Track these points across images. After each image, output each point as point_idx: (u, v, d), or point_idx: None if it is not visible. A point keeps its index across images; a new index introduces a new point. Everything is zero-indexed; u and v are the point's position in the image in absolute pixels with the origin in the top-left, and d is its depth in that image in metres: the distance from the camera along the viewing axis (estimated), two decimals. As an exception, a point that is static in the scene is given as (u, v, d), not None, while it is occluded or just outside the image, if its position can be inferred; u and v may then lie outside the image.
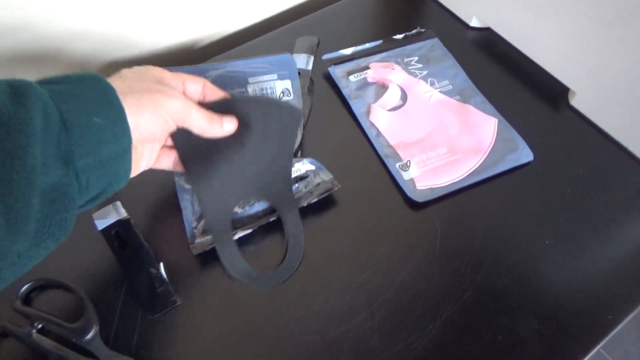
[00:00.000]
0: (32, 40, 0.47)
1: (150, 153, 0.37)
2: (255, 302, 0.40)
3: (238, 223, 0.43)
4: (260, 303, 0.40)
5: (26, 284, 0.39)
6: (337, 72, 0.53)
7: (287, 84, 0.48)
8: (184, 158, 0.39)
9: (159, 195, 0.45)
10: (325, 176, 0.45)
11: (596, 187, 0.46)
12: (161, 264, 0.40)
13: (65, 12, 0.47)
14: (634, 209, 0.45)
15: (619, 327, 0.39)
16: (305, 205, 0.43)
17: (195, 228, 0.42)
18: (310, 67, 0.54)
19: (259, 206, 0.44)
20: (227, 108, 0.38)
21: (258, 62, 0.49)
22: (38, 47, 0.48)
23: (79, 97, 0.29)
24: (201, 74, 0.46)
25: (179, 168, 0.39)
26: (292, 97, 0.49)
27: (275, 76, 0.50)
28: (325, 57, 0.54)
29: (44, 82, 0.29)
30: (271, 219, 0.43)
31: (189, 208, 0.43)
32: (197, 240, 0.41)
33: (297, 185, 0.44)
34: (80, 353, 0.36)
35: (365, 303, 0.40)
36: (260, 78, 0.49)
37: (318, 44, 0.57)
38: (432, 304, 0.40)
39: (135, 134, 0.31)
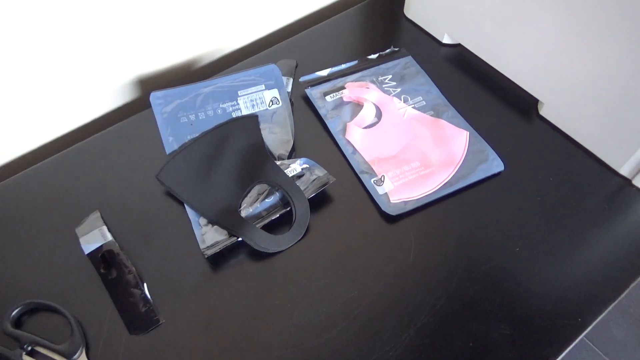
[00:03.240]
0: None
1: None
2: (235, 316, 0.41)
3: (255, 218, 0.45)
4: (240, 316, 0.41)
5: (16, 307, 0.41)
6: (314, 93, 0.55)
7: (274, 92, 0.53)
8: (181, 194, 0.47)
9: (143, 217, 0.47)
10: (320, 172, 0.48)
11: (566, 194, 0.48)
12: (145, 285, 0.42)
13: (62, 29, 0.49)
14: (603, 215, 0.47)
15: (588, 329, 0.40)
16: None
17: (205, 234, 0.45)
18: (289, 89, 0.56)
19: (272, 200, 0.46)
20: (198, 147, 0.49)
21: (245, 75, 0.54)
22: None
23: None
24: (194, 91, 0.52)
25: None
26: (280, 104, 0.53)
27: (263, 87, 0.54)
28: (302, 79, 0.56)
29: None
30: (283, 212, 0.46)
31: (195, 220, 0.46)
32: (208, 244, 0.44)
33: (295, 183, 0.47)
34: (68, 373, 0.38)
35: (342, 315, 0.41)
36: (249, 90, 0.53)
37: (296, 67, 0.59)
38: (407, 313, 0.41)
39: None
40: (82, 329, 0.40)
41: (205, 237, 0.45)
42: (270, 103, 0.53)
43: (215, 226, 0.45)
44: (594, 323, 0.40)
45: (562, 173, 0.49)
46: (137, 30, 0.54)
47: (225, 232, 0.44)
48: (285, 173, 0.47)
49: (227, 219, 0.45)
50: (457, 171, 0.49)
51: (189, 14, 0.56)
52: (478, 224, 0.46)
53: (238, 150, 0.49)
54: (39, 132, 0.55)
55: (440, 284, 0.43)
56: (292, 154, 0.51)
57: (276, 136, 0.52)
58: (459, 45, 0.61)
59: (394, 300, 0.42)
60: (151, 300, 0.42)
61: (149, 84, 0.59)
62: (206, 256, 0.43)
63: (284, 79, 0.58)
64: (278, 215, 0.45)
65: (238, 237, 0.44)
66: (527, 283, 0.43)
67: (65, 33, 0.49)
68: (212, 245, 0.44)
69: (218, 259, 0.44)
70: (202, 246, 0.44)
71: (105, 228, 0.45)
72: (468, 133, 0.52)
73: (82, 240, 0.45)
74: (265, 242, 0.44)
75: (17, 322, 0.41)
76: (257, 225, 0.44)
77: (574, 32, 0.47)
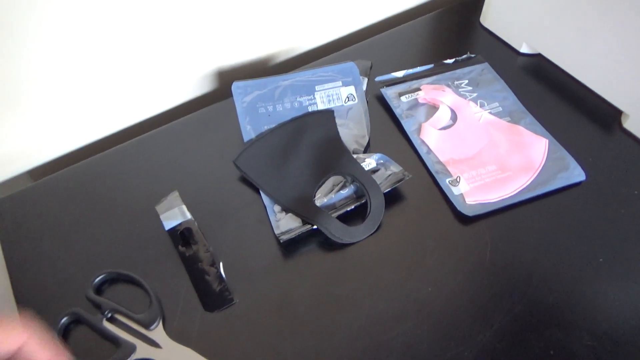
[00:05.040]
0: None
1: None
2: (307, 302, 0.41)
3: (329, 209, 0.46)
4: (312, 302, 0.41)
5: (99, 275, 0.42)
6: (389, 93, 0.56)
7: (351, 89, 0.53)
8: (257, 180, 0.48)
9: (219, 200, 0.48)
10: (396, 168, 0.48)
11: (652, 209, 0.46)
12: (220, 264, 0.43)
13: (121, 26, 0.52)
14: (694, 231, 0.44)
15: (679, 348, 0.38)
16: None
17: (279, 220, 0.45)
18: (364, 88, 0.57)
19: (347, 192, 0.47)
20: (274, 138, 0.50)
21: (323, 71, 0.55)
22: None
23: None
24: (273, 83, 0.53)
25: None
26: (356, 101, 0.53)
27: (340, 83, 0.54)
28: (377, 79, 0.57)
29: None
30: (357, 204, 0.46)
31: (269, 206, 0.47)
32: (282, 230, 0.45)
33: (371, 176, 0.47)
34: (145, 342, 0.39)
35: (414, 310, 0.40)
36: (326, 85, 0.53)
37: (371, 67, 0.60)
38: (482, 314, 0.40)
39: None
40: (159, 302, 0.41)
41: (280, 223, 0.45)
42: (347, 99, 0.54)
43: (290, 214, 0.45)
44: (686, 342, 0.38)
45: (647, 187, 0.47)
46: (222, 24, 0.56)
47: (299, 220, 0.45)
48: (361, 166, 0.47)
49: (301, 207, 0.45)
50: (536, 177, 0.48)
51: (270, 11, 0.58)
52: (558, 231, 0.45)
53: (314, 142, 0.50)
54: (128, 114, 0.58)
55: (517, 288, 0.41)
56: (367, 150, 0.51)
57: (351, 132, 0.52)
58: (537, 55, 0.60)
59: (469, 300, 0.41)
60: (226, 280, 0.42)
61: (229, 76, 0.61)
62: (282, 241, 0.43)
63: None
64: (352, 207, 0.45)
65: (313, 226, 0.44)
66: (610, 296, 0.41)
67: (157, 27, 0.52)
68: (287, 232, 0.44)
69: (291, 246, 0.45)
70: (276, 232, 0.45)
71: (184, 207, 0.46)
72: (547, 140, 0.50)
73: (162, 217, 0.46)
74: (339, 232, 0.44)
75: (99, 290, 0.43)
76: (335, 213, 0.45)
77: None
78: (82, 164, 0.53)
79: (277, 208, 0.46)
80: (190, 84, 0.60)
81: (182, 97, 0.60)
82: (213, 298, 0.41)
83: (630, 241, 0.44)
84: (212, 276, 0.42)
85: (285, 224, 0.45)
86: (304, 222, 0.45)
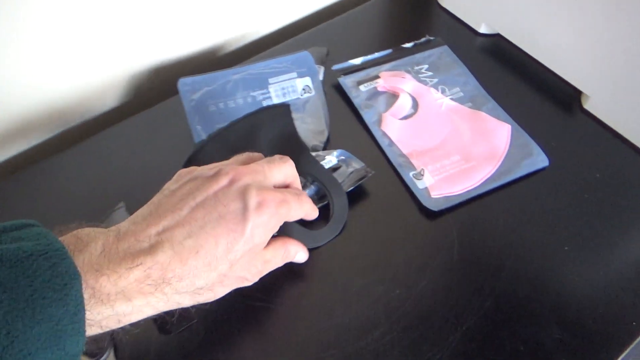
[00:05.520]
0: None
1: None
2: (271, 316, 0.39)
3: None
4: (277, 316, 0.39)
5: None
6: (347, 82, 0.53)
7: (307, 80, 0.50)
8: None
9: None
10: (357, 164, 0.46)
11: (613, 191, 0.46)
12: (177, 280, 0.40)
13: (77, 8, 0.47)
14: (654, 213, 0.44)
15: (645, 334, 0.38)
16: None
17: None
18: (321, 78, 0.54)
19: (308, 193, 0.44)
20: (227, 137, 0.44)
21: (276, 62, 0.52)
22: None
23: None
24: (223, 78, 0.49)
25: None
26: (313, 93, 0.50)
27: (295, 74, 0.51)
28: (335, 67, 0.54)
29: None
30: (319, 206, 0.43)
31: None
32: None
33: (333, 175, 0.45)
34: (97, 374, 0.36)
35: (384, 315, 0.39)
36: (281, 77, 0.50)
37: (327, 54, 0.57)
38: (452, 314, 0.39)
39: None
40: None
41: None
42: (303, 92, 0.51)
43: None
44: (651, 328, 0.38)
45: (609, 170, 0.47)
46: (163, 14, 0.52)
47: None
48: (321, 165, 0.45)
49: None
50: (500, 166, 0.47)
51: (217, -2, 0.54)
52: (523, 221, 0.44)
53: (269, 140, 0.47)
54: (57, 122, 0.53)
55: (486, 283, 0.40)
56: (326, 146, 0.49)
57: (309, 127, 0.49)
58: (496, 35, 0.58)
59: (439, 301, 0.40)
60: (183, 297, 0.39)
61: (174, 71, 0.57)
62: None
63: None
64: None
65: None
66: (577, 284, 0.40)
67: (83, 15, 0.47)
68: None
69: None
70: None
71: (123, 208, 0.43)
72: (510, 126, 0.49)
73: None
74: (301, 237, 0.42)
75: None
76: None
77: (621, 21, 0.44)
78: (16, 176, 0.48)
79: None
80: (129, 83, 0.55)
81: (119, 99, 0.56)
82: (169, 318, 0.39)
83: (594, 227, 0.43)
84: (168, 294, 0.39)
85: None
86: None
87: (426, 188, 0.45)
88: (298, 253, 0.38)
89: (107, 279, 0.26)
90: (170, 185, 0.33)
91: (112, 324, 0.28)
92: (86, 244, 0.27)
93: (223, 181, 0.32)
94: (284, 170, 0.36)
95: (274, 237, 0.36)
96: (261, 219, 0.31)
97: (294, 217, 0.35)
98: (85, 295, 0.25)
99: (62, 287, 0.24)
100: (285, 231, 0.41)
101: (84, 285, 0.25)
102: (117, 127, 0.51)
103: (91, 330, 0.27)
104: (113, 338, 0.37)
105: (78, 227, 0.29)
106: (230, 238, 0.30)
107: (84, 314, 0.25)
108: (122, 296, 0.27)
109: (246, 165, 0.34)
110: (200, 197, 0.31)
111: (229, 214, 0.30)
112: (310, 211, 0.38)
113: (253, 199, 0.31)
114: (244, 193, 0.31)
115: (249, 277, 0.34)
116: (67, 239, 0.27)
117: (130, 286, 0.27)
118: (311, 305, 0.40)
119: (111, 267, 0.27)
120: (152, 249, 0.28)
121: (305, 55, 0.52)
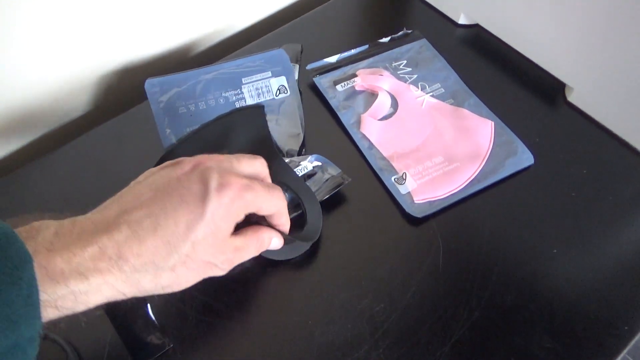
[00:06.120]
0: None
1: None
2: (250, 337, 0.37)
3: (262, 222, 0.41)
4: (255, 337, 0.37)
5: None
6: (323, 82, 0.51)
7: (282, 80, 0.48)
8: None
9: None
10: (334, 171, 0.43)
11: (601, 187, 0.44)
12: (148, 306, 0.38)
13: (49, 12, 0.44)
14: (642, 209, 0.43)
15: (636, 338, 0.37)
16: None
17: None
18: (296, 77, 0.51)
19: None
20: (197, 141, 0.40)
21: (250, 60, 0.49)
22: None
23: None
24: (193, 78, 0.46)
25: None
26: (288, 93, 0.48)
27: (270, 73, 0.49)
28: (309, 66, 0.51)
29: None
30: (292, 216, 0.41)
31: None
32: None
33: (306, 183, 0.43)
34: (65, 409, 0.34)
35: (369, 331, 0.37)
36: (254, 77, 0.47)
37: (302, 51, 0.54)
38: (440, 327, 0.37)
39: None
40: (79, 357, 0.36)
41: None
42: (278, 92, 0.48)
43: None
44: (643, 331, 0.37)
45: (595, 165, 0.46)
46: (130, 10, 0.48)
47: None
48: (294, 172, 0.42)
49: None
50: (484, 166, 0.45)
51: (182, -5, 0.51)
52: (510, 224, 0.42)
53: (242, 145, 0.44)
54: (18, 134, 0.49)
55: (474, 292, 0.39)
56: (302, 150, 0.46)
57: (284, 129, 0.47)
58: (476, 25, 0.56)
59: (425, 313, 0.38)
60: (156, 322, 0.37)
61: (141, 72, 0.54)
62: None
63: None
64: None
65: None
66: (566, 289, 0.39)
67: (40, 15, 0.43)
68: None
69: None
70: None
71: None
72: (493, 123, 0.47)
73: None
74: (275, 249, 0.39)
75: None
76: None
77: (605, 11, 0.42)
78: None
79: None
80: (97, 87, 0.52)
81: (85, 106, 0.52)
82: (143, 345, 0.36)
83: (582, 227, 0.42)
84: (140, 319, 0.37)
85: None
86: None
87: (409, 193, 0.43)
88: (272, 239, 0.36)
89: (59, 257, 0.26)
90: (135, 180, 0.32)
91: (69, 304, 0.27)
92: (38, 230, 0.27)
93: (186, 167, 0.31)
94: (254, 165, 0.34)
95: (249, 225, 0.34)
96: (222, 201, 0.30)
97: (263, 208, 0.33)
98: (38, 275, 0.25)
99: (12, 269, 0.23)
100: None
101: (36, 266, 0.25)
102: (84, 138, 0.48)
103: (47, 313, 0.26)
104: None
105: (38, 219, 0.28)
106: (190, 218, 0.29)
107: (38, 296, 0.24)
108: (77, 273, 0.26)
109: (212, 154, 0.33)
110: (162, 182, 0.30)
111: (190, 195, 0.29)
112: (283, 209, 0.35)
113: (214, 180, 0.30)
114: (205, 175, 0.30)
115: (219, 264, 0.32)
116: (21, 228, 0.27)
117: (86, 263, 0.26)
118: (292, 323, 0.38)
119: (64, 247, 0.26)
120: (108, 229, 0.28)
121: (279, 53, 0.50)
